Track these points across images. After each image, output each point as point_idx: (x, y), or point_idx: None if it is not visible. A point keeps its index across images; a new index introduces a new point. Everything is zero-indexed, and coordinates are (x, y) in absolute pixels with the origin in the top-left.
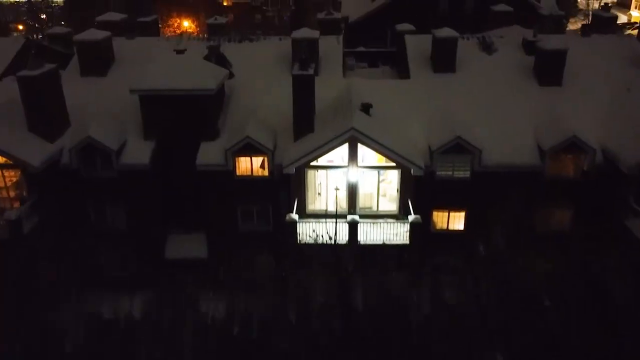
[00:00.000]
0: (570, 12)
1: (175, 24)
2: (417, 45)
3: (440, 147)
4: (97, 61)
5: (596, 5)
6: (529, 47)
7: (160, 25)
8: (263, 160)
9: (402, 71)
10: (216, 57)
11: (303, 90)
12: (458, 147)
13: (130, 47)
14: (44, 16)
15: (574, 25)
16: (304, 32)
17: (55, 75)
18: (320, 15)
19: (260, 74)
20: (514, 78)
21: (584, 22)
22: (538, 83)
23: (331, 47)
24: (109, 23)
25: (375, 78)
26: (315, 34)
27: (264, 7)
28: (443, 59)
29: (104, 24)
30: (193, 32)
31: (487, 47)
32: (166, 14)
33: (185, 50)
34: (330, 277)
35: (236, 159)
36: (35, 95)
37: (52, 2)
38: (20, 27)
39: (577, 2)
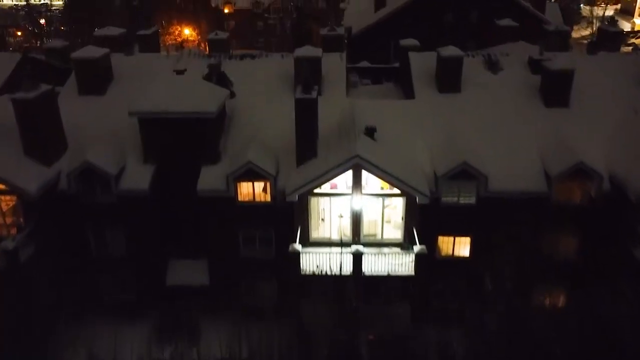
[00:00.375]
0: (574, 19)
1: (176, 32)
2: (422, 63)
3: (446, 172)
4: (96, 79)
5: (600, 13)
6: (534, 65)
7: (160, 31)
8: (265, 185)
9: (407, 88)
10: (217, 76)
11: (306, 114)
12: (464, 173)
13: (130, 63)
14: (43, 21)
15: (577, 32)
16: (307, 51)
17: (52, 97)
18: (323, 31)
19: (262, 93)
20: (519, 98)
21: (588, 29)
22: (544, 104)
23: (334, 65)
24: (107, 38)
25: (379, 95)
26: (318, 52)
27: (266, 15)
28: (448, 79)
29: (102, 39)
30: (194, 40)
31: (493, 66)
32: (167, 21)
33: (185, 70)
34: (334, 307)
35: (238, 184)
36: (31, 118)
37: (52, 6)
38: (19, 32)
39: (580, 9)
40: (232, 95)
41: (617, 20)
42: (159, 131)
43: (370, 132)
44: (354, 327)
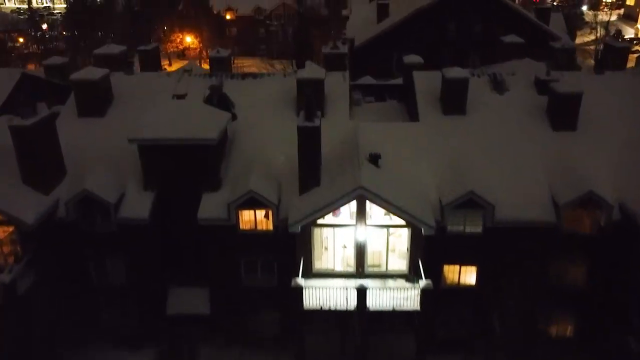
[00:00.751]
0: (577, 25)
1: (178, 40)
2: (426, 84)
3: (452, 201)
4: (95, 101)
5: (604, 18)
6: (541, 86)
7: (162, 38)
8: (267, 214)
9: (410, 106)
10: (218, 97)
11: (309, 143)
12: (470, 202)
13: (130, 83)
14: (45, 26)
15: (581, 38)
16: (310, 72)
17: (50, 123)
18: (326, 49)
19: (264, 114)
20: (526, 121)
21: (592, 35)
22: (551, 127)
23: (337, 85)
24: (108, 57)
25: (382, 113)
26: (320, 73)
27: (268, 22)
28: (453, 101)
29: (103, 58)
30: (196, 48)
31: (498, 86)
32: (168, 29)
33: (186, 94)
34: (337, 339)
35: (239, 212)
36: (29, 146)
37: (54, 9)
38: (21, 39)
39: (583, 14)
40: (234, 117)
41: (624, 36)
42: (159, 158)
43: (374, 159)
44: (357, 358)
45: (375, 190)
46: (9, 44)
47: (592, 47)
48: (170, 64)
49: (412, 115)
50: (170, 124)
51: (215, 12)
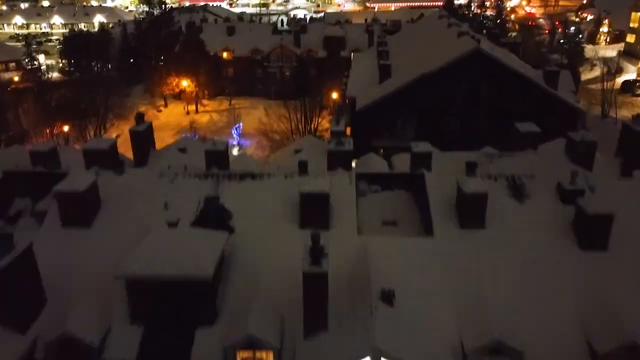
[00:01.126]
0: (579, 63)
1: (174, 83)
2: (440, 189)
3: (476, 350)
4: (81, 212)
5: (604, 54)
6: (565, 194)
7: (159, 82)
8: (267, 357)
9: (419, 199)
10: (215, 210)
11: (315, 289)
12: (496, 350)
13: (119, 184)
14: (42, 57)
15: (584, 75)
16: (314, 185)
17: (28, 258)
18: (331, 147)
19: (264, 226)
20: (551, 236)
21: (593, 72)
22: (579, 245)
23: (343, 191)
24: (97, 152)
25: (390, 206)
26: (325, 185)
27: (265, 64)
28: (471, 215)
29: (92, 154)
30: (192, 92)
31: (518, 192)
32: (165, 71)
33: (179, 220)
34: None
35: (237, 352)
36: (3, 288)
37: (52, 34)
38: (16, 78)
39: (583, 49)
40: (231, 231)
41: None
42: (149, 293)
43: (387, 296)
44: None
45: (391, 352)
46: (5, 76)
47: (595, 87)
48: (166, 105)
49: (423, 211)
50: (161, 258)
51: (211, 54)
